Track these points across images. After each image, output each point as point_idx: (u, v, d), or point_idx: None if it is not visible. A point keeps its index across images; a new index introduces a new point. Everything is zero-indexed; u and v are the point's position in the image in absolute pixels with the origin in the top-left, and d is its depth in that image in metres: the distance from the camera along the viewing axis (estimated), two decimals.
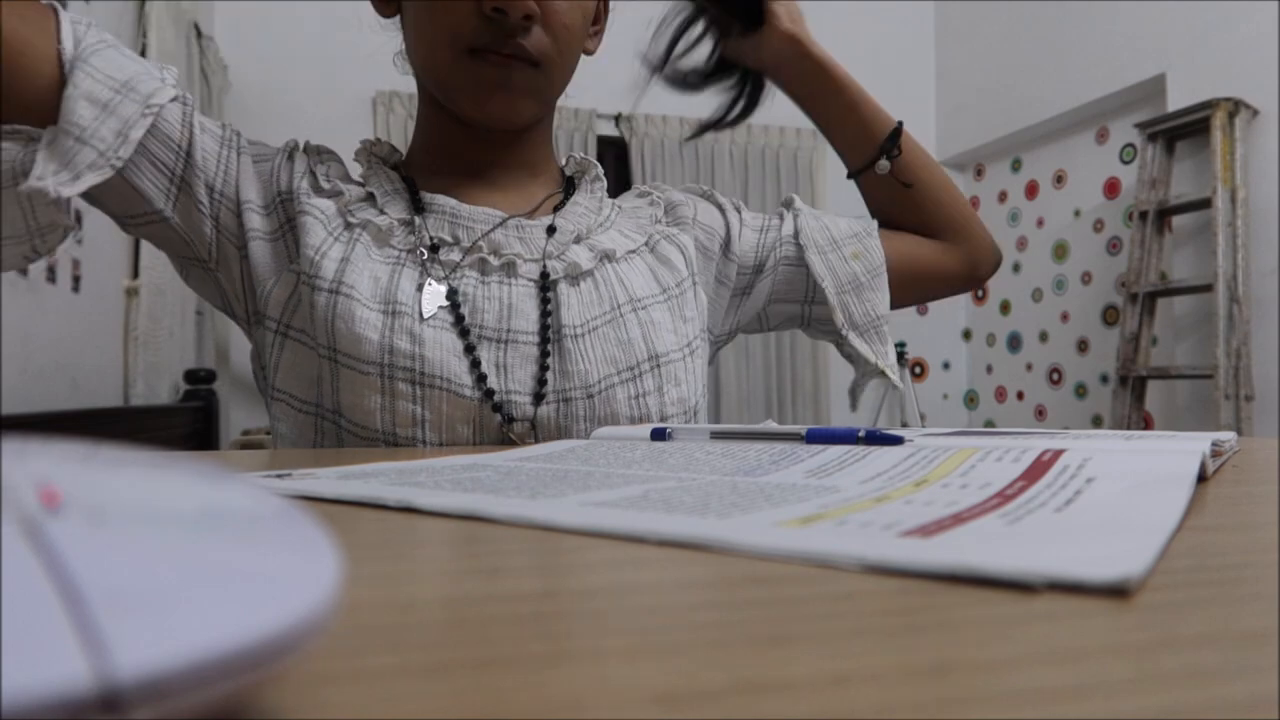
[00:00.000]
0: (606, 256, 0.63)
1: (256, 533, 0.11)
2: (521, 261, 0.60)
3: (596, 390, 0.58)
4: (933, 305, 4.21)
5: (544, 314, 0.59)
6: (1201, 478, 0.29)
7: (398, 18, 0.65)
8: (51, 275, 1.88)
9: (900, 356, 3.98)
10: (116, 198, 0.59)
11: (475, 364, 0.56)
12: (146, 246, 2.35)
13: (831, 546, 0.18)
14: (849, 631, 0.13)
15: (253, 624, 0.08)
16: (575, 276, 0.61)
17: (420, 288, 0.57)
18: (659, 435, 0.48)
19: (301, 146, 0.65)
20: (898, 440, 0.38)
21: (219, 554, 0.10)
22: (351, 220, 0.60)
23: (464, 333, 0.57)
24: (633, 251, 0.65)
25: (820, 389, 3.89)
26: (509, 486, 0.29)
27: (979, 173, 4.18)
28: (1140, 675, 0.11)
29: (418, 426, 0.56)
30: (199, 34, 2.75)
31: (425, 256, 0.59)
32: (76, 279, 2.02)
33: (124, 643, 0.07)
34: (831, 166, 4.03)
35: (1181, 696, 0.10)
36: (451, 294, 0.58)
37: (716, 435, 0.46)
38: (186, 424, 2.28)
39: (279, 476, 0.33)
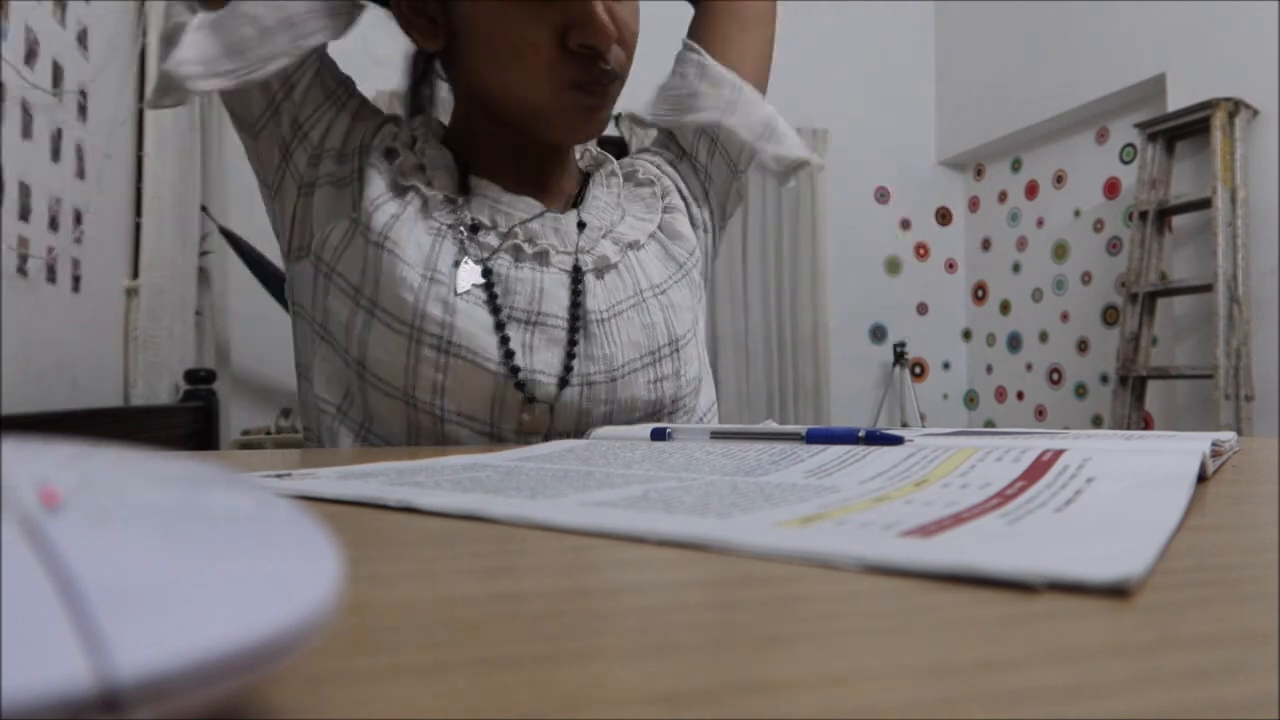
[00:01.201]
0: (631, 247, 0.65)
1: (256, 533, 0.11)
2: (555, 252, 0.62)
3: (620, 374, 0.60)
4: (933, 305, 4.21)
5: (574, 302, 0.61)
6: (1201, 478, 0.29)
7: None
8: (51, 275, 1.88)
9: (900, 356, 3.98)
10: (235, 94, 0.62)
11: (504, 340, 0.58)
12: (146, 246, 2.36)
13: (831, 546, 0.18)
14: (849, 631, 0.13)
15: (253, 624, 0.08)
16: (603, 269, 0.63)
17: (457, 264, 0.59)
18: (659, 435, 0.48)
19: (392, 121, 0.67)
20: (898, 440, 0.38)
21: (219, 554, 0.10)
22: (403, 183, 0.62)
23: (495, 310, 0.58)
24: (651, 235, 0.68)
25: (820, 389, 3.89)
26: (509, 486, 0.29)
27: (979, 173, 4.18)
28: (1140, 675, 0.11)
29: (437, 394, 0.57)
30: None
31: (465, 236, 0.60)
32: (76, 279, 2.02)
33: (124, 642, 0.07)
34: (831, 167, 4.03)
35: (1181, 696, 0.10)
36: (486, 273, 0.59)
37: (716, 435, 0.46)
38: (186, 424, 2.28)
39: (279, 476, 0.33)
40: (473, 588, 0.17)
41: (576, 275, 0.61)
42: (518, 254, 0.61)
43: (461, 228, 0.60)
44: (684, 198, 0.74)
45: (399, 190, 0.62)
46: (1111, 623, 0.13)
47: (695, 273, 0.69)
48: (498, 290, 0.59)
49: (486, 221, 0.62)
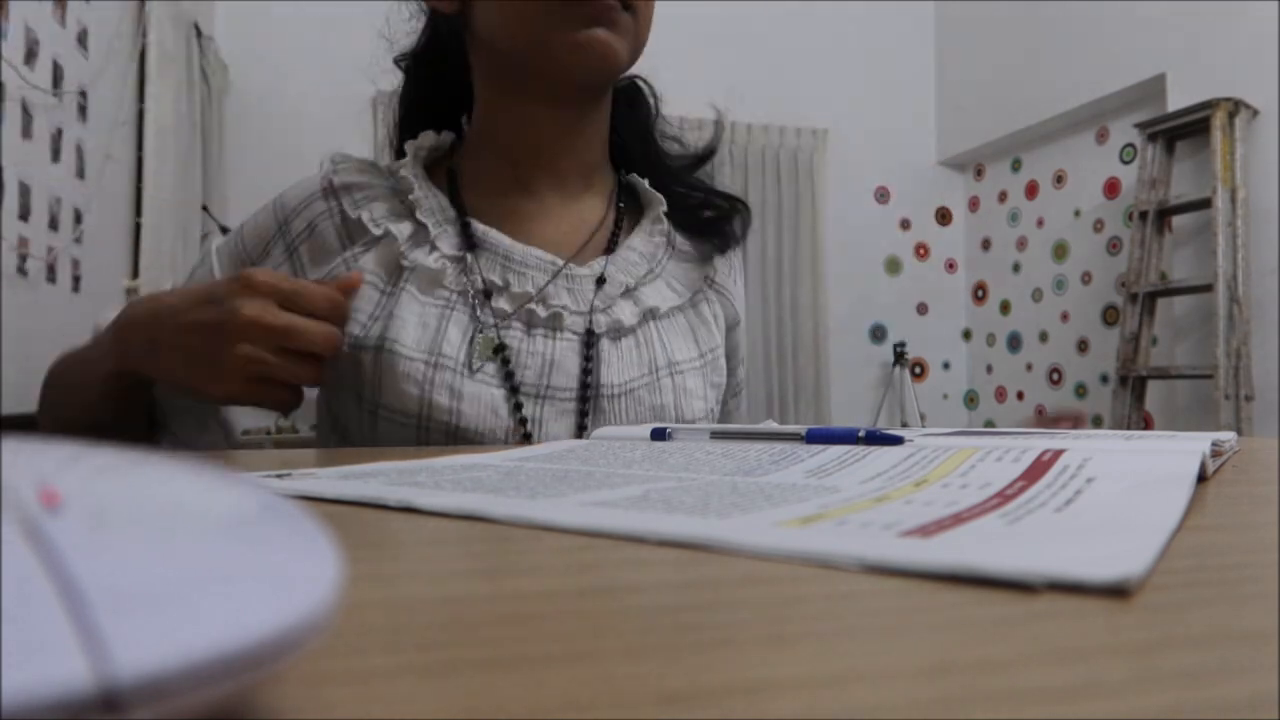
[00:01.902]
0: (651, 314, 0.63)
1: (256, 533, 0.11)
2: (568, 314, 0.60)
3: (618, 391, 0.60)
4: (933, 305, 4.21)
5: (584, 370, 0.59)
6: (1201, 478, 0.29)
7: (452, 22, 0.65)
8: (51, 275, 1.88)
9: (900, 356, 3.99)
10: None
11: (522, 421, 0.57)
12: (146, 246, 2.36)
13: (831, 546, 0.18)
14: (849, 631, 0.13)
15: (253, 624, 0.08)
16: (618, 333, 0.61)
17: (471, 339, 0.58)
18: (659, 435, 0.48)
19: (330, 184, 0.64)
20: (898, 440, 0.38)
21: (219, 554, 0.10)
22: (404, 264, 0.60)
23: (513, 390, 0.58)
24: (677, 308, 0.65)
25: (821, 389, 3.89)
26: (509, 486, 0.29)
27: (979, 173, 4.19)
28: (1140, 675, 0.11)
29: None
30: (199, 34, 2.75)
31: (477, 304, 0.59)
32: (76, 279, 2.02)
33: (124, 642, 0.07)
34: (832, 167, 4.03)
35: (1181, 696, 0.10)
36: (501, 348, 0.58)
37: (716, 435, 0.46)
38: None
39: (279, 476, 0.33)
40: (473, 588, 0.17)
41: (589, 339, 0.60)
42: (530, 319, 0.60)
43: (473, 295, 0.59)
44: (727, 318, 0.71)
45: (394, 275, 0.60)
46: (1111, 623, 0.13)
47: (711, 370, 0.66)
48: (513, 367, 0.58)
49: (498, 282, 0.60)
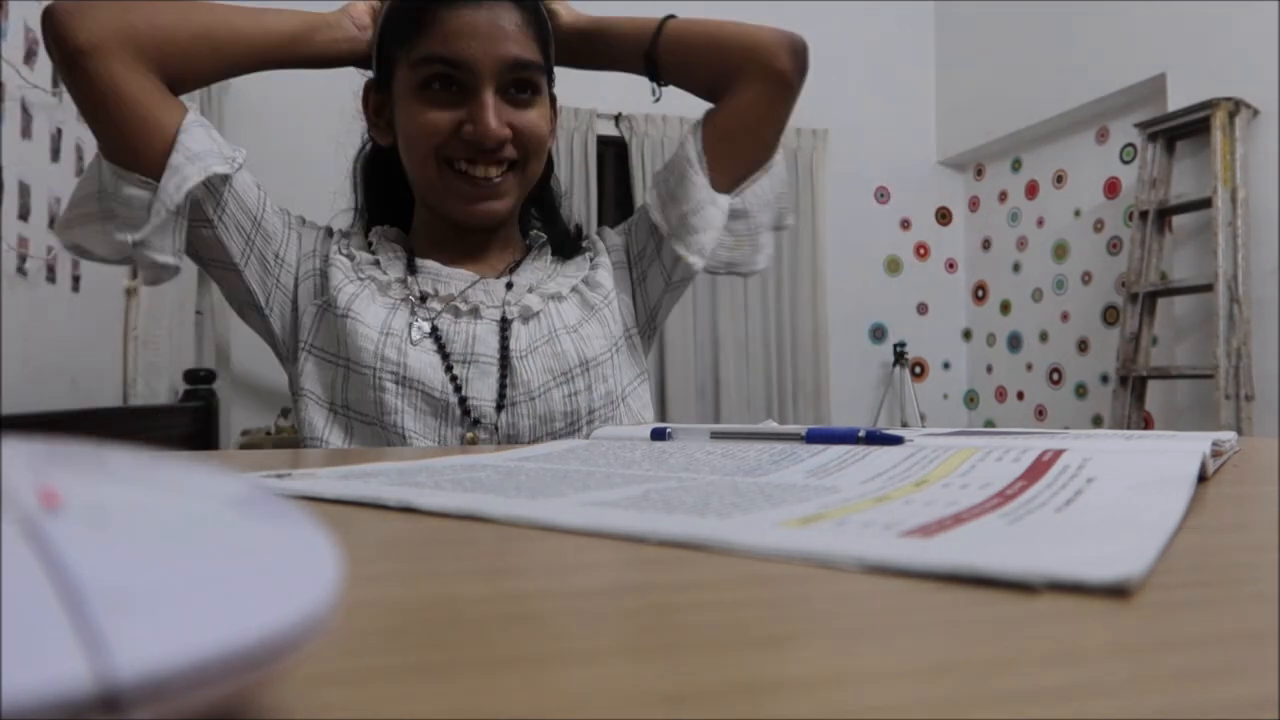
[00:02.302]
0: (553, 297, 0.79)
1: (256, 533, 0.11)
2: (485, 307, 0.77)
3: (538, 394, 0.74)
4: (932, 305, 4.21)
5: (502, 344, 0.75)
6: (1202, 478, 0.29)
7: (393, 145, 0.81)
8: (51, 275, 1.88)
9: (900, 356, 3.98)
10: (205, 246, 0.74)
11: (453, 377, 0.73)
12: None
13: (831, 546, 0.18)
14: (849, 631, 0.13)
15: (253, 624, 0.08)
16: (527, 315, 0.77)
17: (410, 325, 0.74)
18: (659, 435, 0.48)
19: (333, 232, 0.83)
20: (898, 440, 0.38)
21: (219, 554, 0.10)
22: (361, 275, 0.77)
23: (445, 356, 0.74)
24: (572, 289, 0.82)
25: (820, 389, 3.89)
26: (509, 486, 0.29)
27: (979, 173, 4.19)
28: (1140, 675, 0.11)
29: (399, 415, 0.72)
30: None
31: (415, 303, 0.76)
32: (76, 279, 2.02)
33: (124, 642, 0.07)
34: (832, 167, 4.03)
35: (1181, 696, 0.10)
36: (434, 330, 0.75)
37: (716, 435, 0.46)
38: (186, 424, 2.28)
39: (279, 476, 0.33)
40: (473, 588, 0.17)
41: (504, 324, 0.76)
42: (456, 312, 0.76)
43: (411, 299, 0.76)
44: (627, 255, 0.87)
45: (358, 279, 0.77)
46: (1111, 623, 0.13)
47: (607, 311, 0.81)
48: (444, 340, 0.74)
49: (431, 291, 0.77)
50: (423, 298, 0.76)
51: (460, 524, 0.23)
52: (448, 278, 0.78)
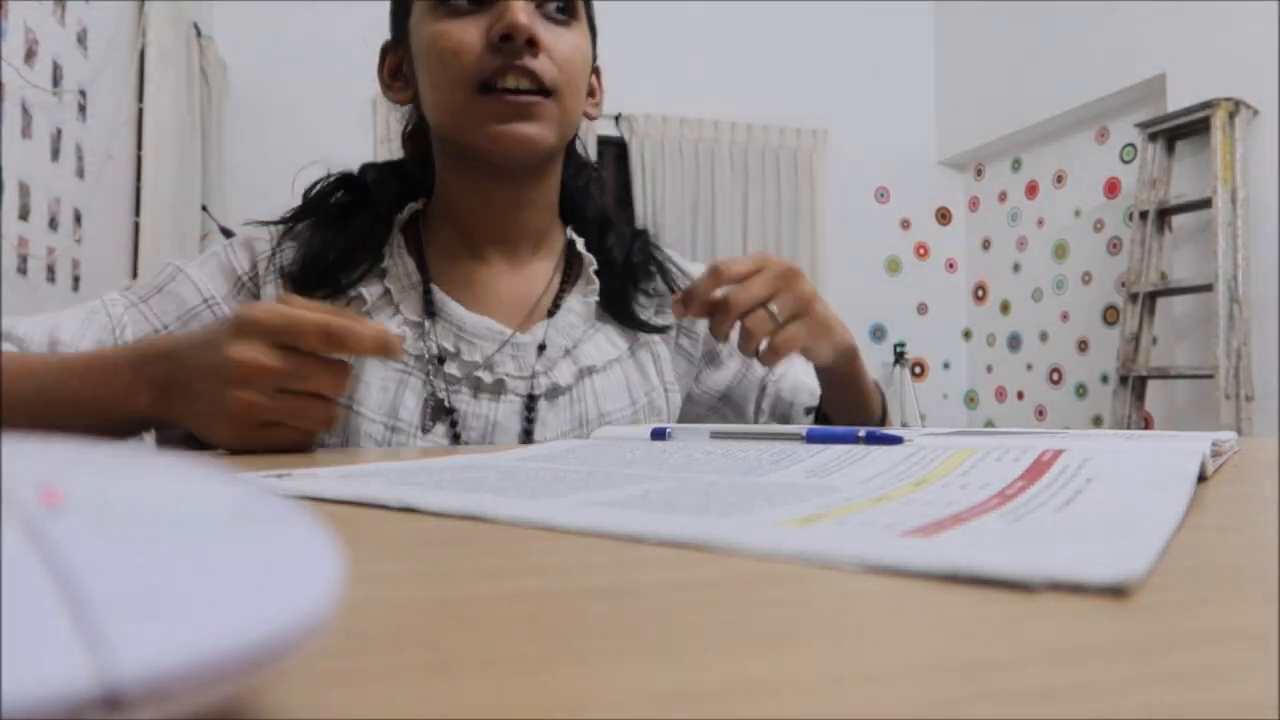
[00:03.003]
0: (587, 371, 0.69)
1: (256, 533, 0.11)
2: (510, 379, 0.66)
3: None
4: (932, 305, 4.22)
5: (525, 431, 0.66)
6: (1202, 478, 0.29)
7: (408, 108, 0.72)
8: (51, 275, 1.88)
9: (900, 356, 3.98)
10: None
11: None
12: (146, 246, 2.36)
13: (831, 546, 0.18)
14: (849, 631, 0.13)
15: (253, 624, 0.08)
16: (555, 392, 0.67)
17: (425, 402, 0.64)
18: (659, 435, 0.48)
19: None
20: (897, 440, 0.38)
21: (219, 554, 0.10)
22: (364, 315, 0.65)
23: (457, 444, 0.64)
24: (614, 360, 0.71)
25: None
26: (509, 486, 0.29)
27: (979, 173, 4.19)
28: (1140, 675, 0.11)
29: None
30: (199, 34, 2.75)
31: (431, 370, 0.65)
32: (76, 278, 2.02)
33: (125, 642, 0.08)
34: (831, 167, 4.03)
35: (1181, 696, 0.10)
36: (450, 411, 0.65)
37: (716, 435, 0.46)
38: None
39: (279, 476, 0.33)
40: (473, 588, 0.17)
41: (530, 401, 0.66)
42: (477, 385, 0.66)
43: (427, 362, 0.65)
44: (692, 351, 0.77)
45: None
46: (1111, 623, 0.13)
47: (647, 414, 0.72)
48: (459, 429, 0.65)
49: (451, 349, 0.66)
50: (440, 359, 0.66)
51: (460, 524, 0.23)
52: (472, 331, 0.67)
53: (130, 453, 0.12)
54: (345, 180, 0.71)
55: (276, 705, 0.10)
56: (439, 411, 0.64)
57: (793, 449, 0.38)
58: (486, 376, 0.66)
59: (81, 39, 2.06)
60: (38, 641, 0.07)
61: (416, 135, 0.74)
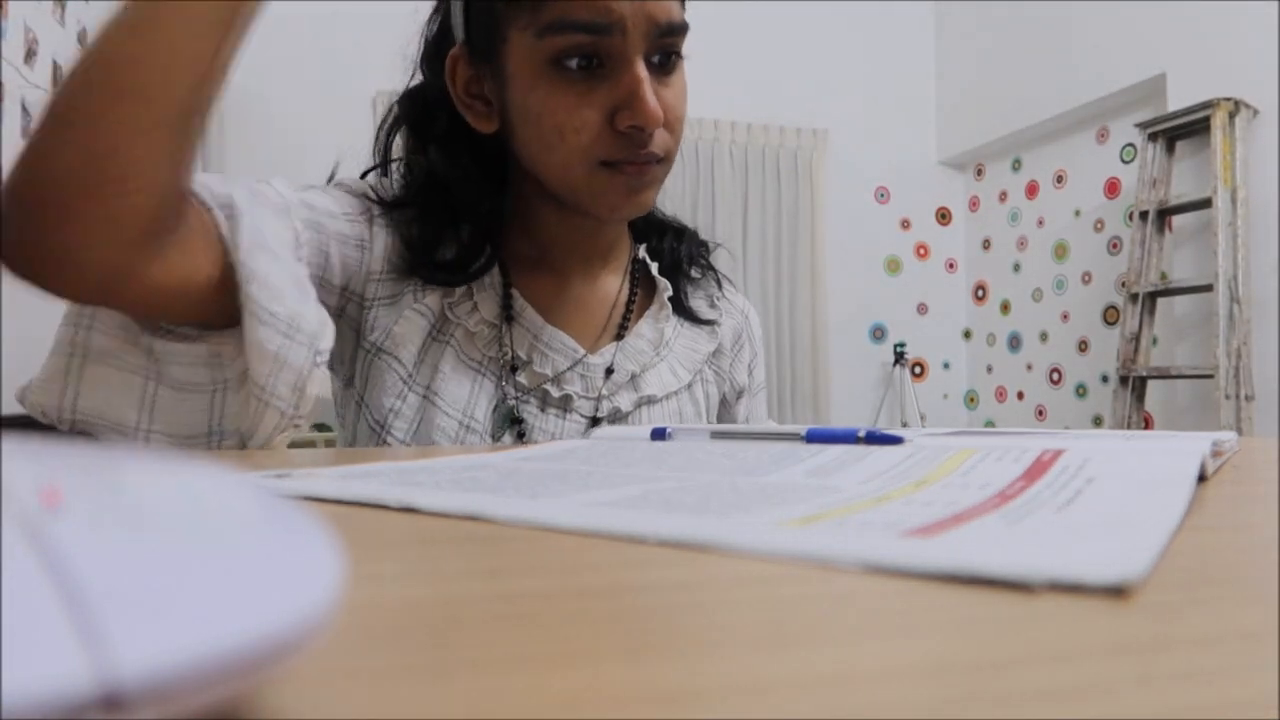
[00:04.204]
0: (646, 400, 0.70)
1: (257, 533, 0.11)
2: (576, 398, 0.67)
3: None
4: (933, 305, 4.22)
5: None
6: (1202, 478, 0.29)
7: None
8: None
9: (900, 356, 3.99)
10: None
11: None
12: None
13: (832, 546, 0.18)
14: (849, 631, 0.13)
15: (253, 624, 0.08)
16: (615, 418, 0.68)
17: (495, 408, 0.64)
18: (659, 435, 0.48)
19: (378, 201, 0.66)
20: (898, 440, 0.38)
21: (219, 554, 0.10)
22: (449, 316, 0.64)
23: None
24: (673, 393, 0.72)
25: (820, 389, 3.89)
26: (509, 486, 0.29)
27: (979, 173, 4.19)
28: (1140, 675, 0.11)
29: None
30: None
31: (505, 377, 0.65)
32: None
33: (125, 642, 0.08)
34: (832, 167, 4.03)
35: (1181, 696, 0.10)
36: (519, 420, 0.65)
37: (716, 435, 0.46)
38: None
39: (279, 476, 0.33)
40: (473, 588, 0.17)
41: (593, 424, 0.66)
42: (545, 398, 0.66)
43: (503, 367, 0.65)
44: (730, 396, 0.79)
45: (442, 328, 0.64)
46: (1111, 623, 0.13)
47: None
48: (526, 441, 0.64)
49: (524, 357, 0.65)
50: (513, 366, 0.65)
51: (460, 524, 0.23)
52: (546, 344, 0.66)
53: (130, 453, 0.12)
54: (433, 181, 0.66)
55: (276, 705, 0.10)
56: (508, 419, 0.64)
57: (793, 449, 0.38)
58: (554, 391, 0.66)
59: (81, 39, 2.06)
60: (37, 642, 0.07)
61: (461, 141, 0.67)
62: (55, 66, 1.89)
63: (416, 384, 0.63)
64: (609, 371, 0.68)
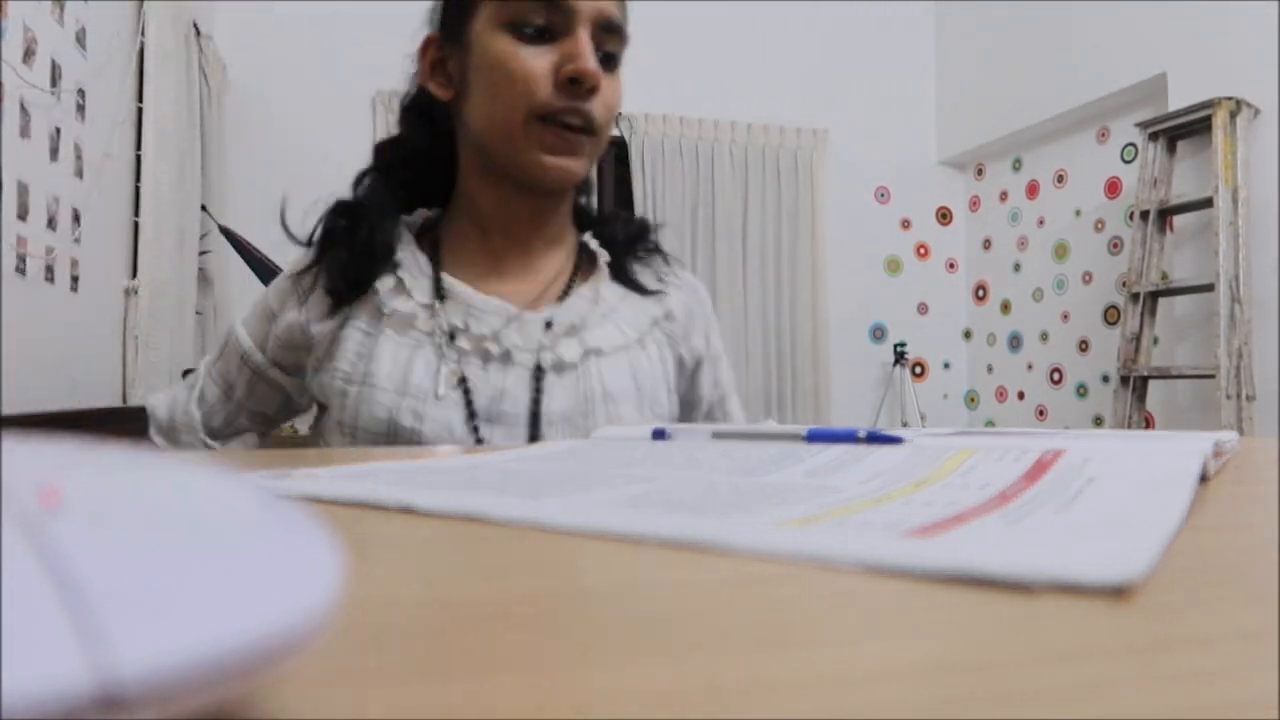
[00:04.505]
0: (595, 352, 0.72)
1: (257, 533, 0.11)
2: (518, 351, 0.70)
3: (555, 419, 0.69)
4: (933, 305, 4.21)
5: (533, 400, 0.69)
6: (1203, 478, 0.29)
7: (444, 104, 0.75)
8: (50, 275, 1.88)
9: (900, 356, 3.98)
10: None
11: (475, 430, 0.67)
12: (145, 245, 2.36)
13: (831, 546, 0.18)
14: (849, 631, 0.13)
15: (253, 624, 0.08)
16: (561, 367, 0.70)
17: (437, 371, 0.68)
18: (659, 435, 0.48)
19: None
20: (898, 440, 0.38)
21: (219, 554, 0.10)
22: (384, 311, 0.70)
23: (471, 415, 0.68)
24: (621, 348, 0.74)
25: (820, 389, 3.89)
26: (509, 486, 0.29)
27: (979, 173, 4.18)
28: (1140, 675, 0.11)
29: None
30: (198, 33, 2.75)
31: (443, 344, 0.69)
32: (75, 278, 2.02)
33: (125, 642, 0.07)
34: (832, 167, 4.03)
35: (1181, 696, 0.10)
36: (462, 380, 0.68)
37: (716, 435, 0.46)
38: None
39: (279, 477, 0.33)
40: (473, 588, 0.17)
41: (538, 374, 0.70)
42: (486, 356, 0.70)
43: (438, 337, 0.69)
44: (687, 363, 0.81)
45: (376, 320, 0.70)
46: (1111, 623, 0.13)
47: (650, 404, 0.75)
48: (471, 395, 0.68)
49: (460, 325, 0.70)
50: (451, 335, 0.70)
51: (460, 524, 0.23)
52: (480, 310, 0.71)
53: (130, 453, 0.12)
54: (342, 208, 0.74)
55: (276, 705, 0.10)
56: (450, 378, 0.68)
57: (793, 449, 0.38)
58: (494, 348, 0.69)
59: (80, 39, 2.06)
60: (37, 642, 0.07)
61: (424, 117, 0.76)
62: (54, 66, 1.89)
63: (354, 381, 0.69)
64: (548, 325, 0.71)
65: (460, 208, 0.76)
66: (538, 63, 0.66)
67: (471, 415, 0.67)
